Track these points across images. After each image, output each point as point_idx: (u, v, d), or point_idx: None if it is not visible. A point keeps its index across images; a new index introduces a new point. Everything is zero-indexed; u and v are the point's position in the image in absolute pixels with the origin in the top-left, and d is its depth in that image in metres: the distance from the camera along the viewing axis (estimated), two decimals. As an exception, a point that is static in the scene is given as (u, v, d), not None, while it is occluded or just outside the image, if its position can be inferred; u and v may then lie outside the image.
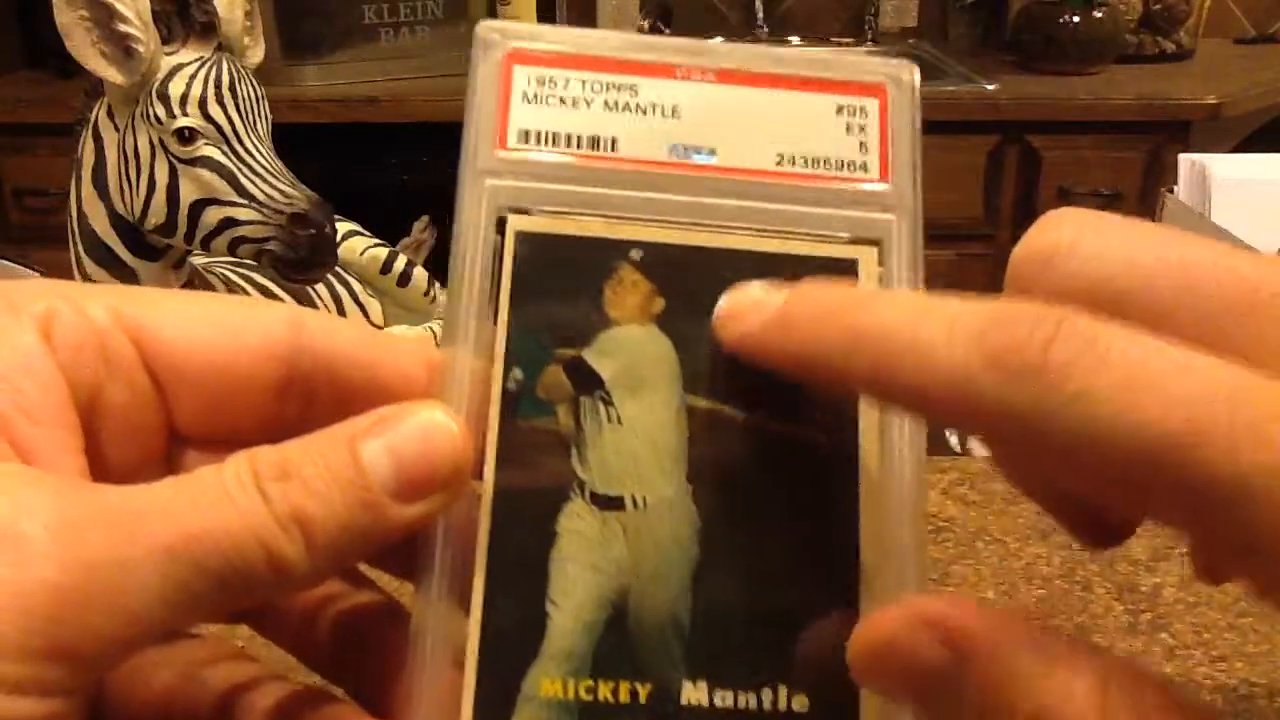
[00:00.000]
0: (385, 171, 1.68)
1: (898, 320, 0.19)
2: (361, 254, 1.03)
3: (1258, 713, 0.38)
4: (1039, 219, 0.20)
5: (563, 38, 0.25)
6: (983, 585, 0.55)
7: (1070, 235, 0.20)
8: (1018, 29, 1.97)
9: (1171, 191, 0.82)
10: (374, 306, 1.03)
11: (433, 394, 0.23)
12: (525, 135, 0.24)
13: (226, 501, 0.20)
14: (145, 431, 0.24)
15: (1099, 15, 1.87)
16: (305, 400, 0.24)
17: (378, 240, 1.06)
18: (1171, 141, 1.75)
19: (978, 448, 0.75)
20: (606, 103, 0.25)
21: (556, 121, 0.24)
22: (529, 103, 0.25)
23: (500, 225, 0.24)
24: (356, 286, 1.02)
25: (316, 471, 0.20)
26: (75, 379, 0.22)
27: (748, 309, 0.22)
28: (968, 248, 1.85)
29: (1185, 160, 0.82)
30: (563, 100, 0.25)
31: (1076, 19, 1.87)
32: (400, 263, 1.05)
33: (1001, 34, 2.08)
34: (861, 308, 0.20)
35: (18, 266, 0.81)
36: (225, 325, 0.24)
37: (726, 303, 0.23)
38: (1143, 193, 1.79)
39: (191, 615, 0.20)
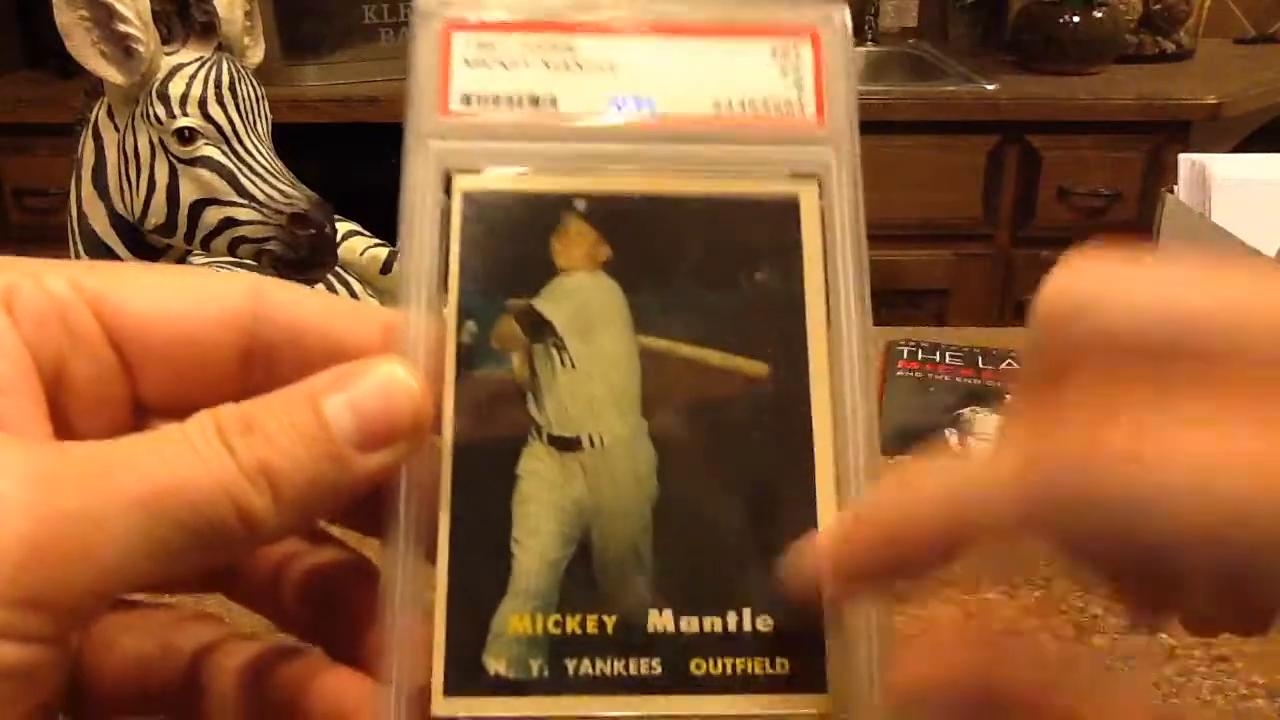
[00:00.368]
0: (385, 171, 1.67)
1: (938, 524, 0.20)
2: (361, 254, 1.03)
3: (1258, 713, 0.38)
4: (1060, 266, 0.20)
5: (500, 3, 0.26)
6: (983, 586, 0.55)
7: (1094, 290, 0.19)
8: (1018, 29, 1.97)
9: (1171, 191, 0.82)
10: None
11: (390, 353, 0.23)
12: (467, 98, 0.25)
13: (193, 456, 0.20)
14: (111, 403, 0.24)
15: (1099, 15, 1.87)
16: (268, 367, 0.24)
17: (378, 240, 1.06)
18: (1171, 141, 1.75)
19: (976, 446, 0.75)
20: (545, 62, 0.25)
21: (497, 83, 0.25)
22: (469, 67, 0.25)
23: (446, 185, 0.24)
24: (356, 286, 1.02)
25: (280, 426, 0.21)
26: (39, 351, 0.22)
27: (819, 555, 0.23)
28: (967, 248, 1.85)
29: (1185, 160, 0.82)
30: (502, 63, 0.25)
31: (1076, 19, 1.87)
32: (400, 263, 1.05)
33: (1001, 34, 2.08)
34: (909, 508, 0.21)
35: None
36: (187, 296, 0.24)
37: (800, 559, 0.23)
38: (1143, 193, 1.79)
39: (165, 568, 0.20)
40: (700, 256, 0.24)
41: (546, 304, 0.24)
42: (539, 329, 0.24)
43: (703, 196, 0.25)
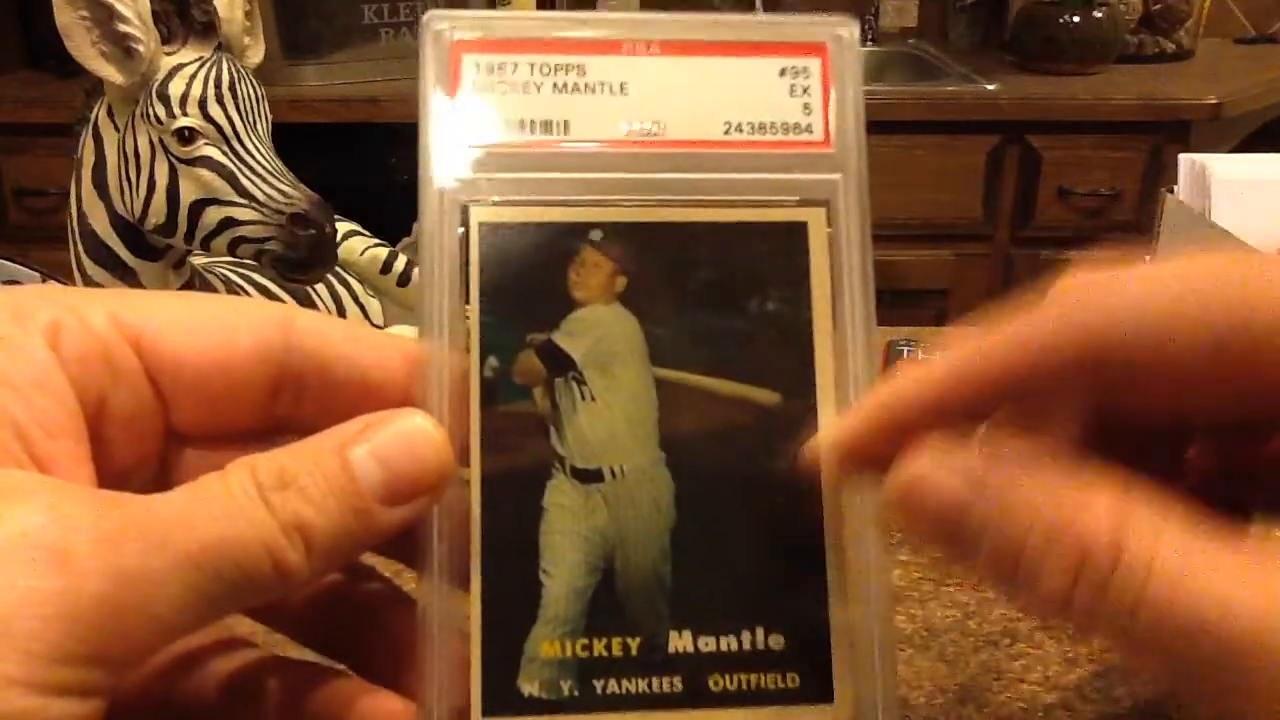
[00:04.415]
0: (385, 171, 1.68)
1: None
2: (361, 254, 1.03)
3: (1258, 713, 0.38)
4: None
5: (508, 22, 0.26)
6: (983, 585, 0.55)
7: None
8: (1017, 29, 1.97)
9: (1171, 191, 0.82)
10: (374, 306, 1.03)
11: (414, 388, 0.24)
12: (479, 126, 0.25)
13: (237, 513, 0.21)
14: (147, 434, 0.25)
15: (1099, 15, 1.87)
16: (296, 396, 0.25)
17: (378, 240, 1.06)
18: (1171, 141, 1.75)
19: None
20: (556, 85, 0.25)
21: (508, 108, 0.25)
22: (479, 91, 0.25)
23: (463, 218, 0.25)
24: (356, 286, 1.02)
25: (313, 480, 0.21)
26: (83, 390, 0.23)
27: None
28: (967, 248, 1.85)
29: (1185, 160, 0.82)
30: (513, 86, 0.25)
31: (1076, 19, 1.87)
32: (400, 263, 1.05)
33: (1001, 34, 2.08)
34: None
35: (18, 266, 0.81)
36: (220, 327, 0.24)
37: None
38: (1143, 193, 1.79)
39: (205, 618, 0.21)
40: (712, 286, 0.25)
41: (566, 338, 0.25)
42: (559, 363, 0.25)
43: (714, 224, 0.25)
